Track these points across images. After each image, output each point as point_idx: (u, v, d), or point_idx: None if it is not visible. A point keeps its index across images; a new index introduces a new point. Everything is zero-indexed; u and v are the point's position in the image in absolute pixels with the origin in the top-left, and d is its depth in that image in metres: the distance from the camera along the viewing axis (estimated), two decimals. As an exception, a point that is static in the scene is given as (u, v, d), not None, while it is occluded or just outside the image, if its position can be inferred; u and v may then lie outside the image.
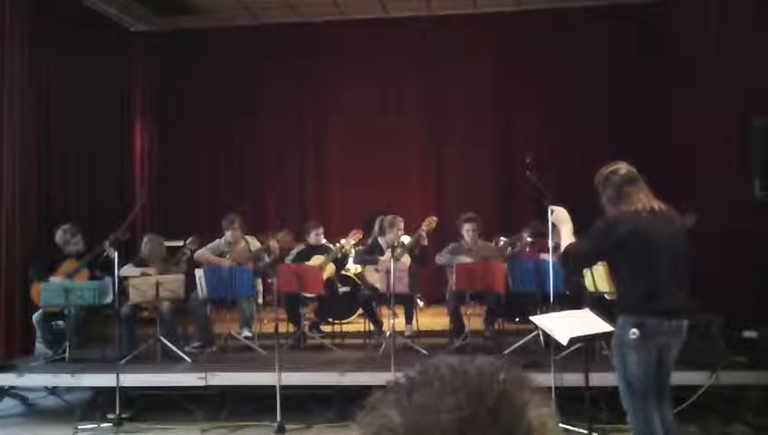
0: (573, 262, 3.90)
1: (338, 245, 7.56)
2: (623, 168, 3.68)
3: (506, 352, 6.03)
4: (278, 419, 5.25)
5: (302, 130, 10.25)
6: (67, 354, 6.38)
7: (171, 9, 9.36)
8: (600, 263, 5.17)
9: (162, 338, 6.31)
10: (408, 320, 7.07)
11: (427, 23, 9.74)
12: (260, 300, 7.42)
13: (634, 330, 3.46)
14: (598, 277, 5.51)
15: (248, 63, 10.02)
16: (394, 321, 6.20)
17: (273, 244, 7.23)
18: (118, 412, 5.46)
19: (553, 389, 4.69)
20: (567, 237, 3.78)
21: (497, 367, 0.72)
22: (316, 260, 7.25)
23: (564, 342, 3.85)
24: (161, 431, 5.52)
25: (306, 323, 7.21)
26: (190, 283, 6.73)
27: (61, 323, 6.67)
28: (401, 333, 6.80)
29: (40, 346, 6.80)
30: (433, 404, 0.68)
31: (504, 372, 0.72)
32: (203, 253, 7.23)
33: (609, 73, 9.20)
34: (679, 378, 4.54)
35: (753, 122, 5.57)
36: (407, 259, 6.93)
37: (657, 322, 3.48)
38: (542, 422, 0.70)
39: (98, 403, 5.99)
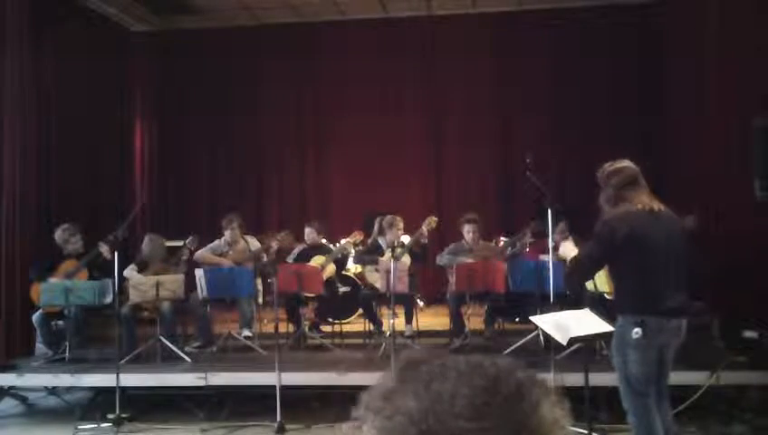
0: (581, 270, 3.89)
1: (338, 245, 7.56)
2: (627, 167, 3.67)
3: (506, 352, 6.03)
4: (278, 419, 5.26)
5: (302, 130, 10.25)
6: (67, 354, 6.38)
7: (171, 9, 9.36)
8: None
9: (162, 338, 6.31)
10: (408, 320, 7.07)
11: (427, 23, 9.75)
12: (260, 300, 7.42)
13: (637, 329, 3.46)
14: (598, 277, 5.51)
15: (248, 63, 10.02)
16: (394, 321, 6.19)
17: (274, 244, 7.23)
18: (118, 412, 5.45)
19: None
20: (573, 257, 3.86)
21: (515, 365, 0.74)
22: (316, 260, 7.25)
23: (564, 342, 3.85)
24: (161, 431, 5.52)
25: (306, 323, 7.22)
26: (190, 283, 6.73)
27: (61, 323, 6.67)
28: (401, 333, 6.80)
29: (40, 346, 6.80)
30: (448, 392, 0.69)
31: (521, 370, 0.73)
32: (203, 253, 7.23)
33: (609, 73, 9.20)
34: (679, 378, 4.54)
35: (754, 122, 5.56)
36: (407, 259, 6.93)
37: (659, 321, 3.48)
38: (555, 420, 0.71)
39: (98, 403, 5.99)
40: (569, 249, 3.96)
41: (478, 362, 0.74)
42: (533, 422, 0.69)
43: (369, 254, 7.25)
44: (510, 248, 7.10)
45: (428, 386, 0.70)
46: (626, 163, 3.70)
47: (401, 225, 7.17)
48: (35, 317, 6.62)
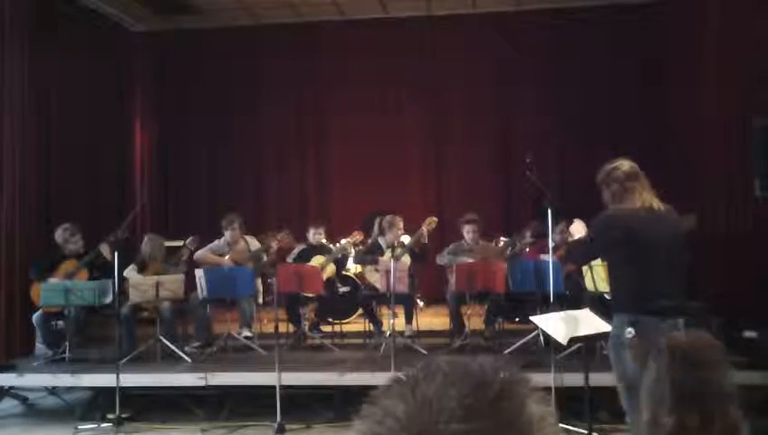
0: (573, 256, 3.98)
1: (338, 245, 7.56)
2: (626, 163, 3.68)
3: (506, 352, 6.04)
4: (278, 419, 5.25)
5: (302, 130, 10.25)
6: (67, 354, 6.38)
7: (171, 9, 9.35)
8: (599, 263, 5.19)
9: (162, 338, 6.31)
10: (408, 320, 7.06)
11: (426, 23, 9.75)
12: (260, 300, 7.42)
13: (630, 329, 3.45)
14: (598, 277, 5.51)
15: (248, 63, 10.01)
16: (394, 321, 6.20)
17: (274, 244, 7.23)
18: (118, 412, 5.46)
19: (553, 389, 4.69)
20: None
21: (498, 364, 0.74)
22: (316, 260, 7.26)
23: (564, 341, 3.86)
24: (161, 431, 5.52)
25: (306, 323, 7.22)
26: (190, 283, 6.74)
27: (61, 323, 6.67)
28: (401, 333, 6.79)
29: (40, 346, 6.80)
30: (436, 395, 0.69)
31: (505, 368, 0.73)
32: (203, 253, 7.23)
33: (610, 73, 9.19)
34: (679, 378, 4.53)
35: (753, 122, 5.57)
36: (407, 259, 6.93)
37: (652, 321, 3.47)
38: (542, 416, 0.71)
39: (98, 403, 5.99)
40: (578, 229, 4.00)
41: (462, 362, 0.74)
42: (522, 420, 0.69)
43: (369, 254, 7.25)
44: (510, 248, 7.09)
45: (415, 389, 0.70)
46: (624, 160, 3.71)
47: (401, 225, 7.17)
48: (35, 317, 6.62)
